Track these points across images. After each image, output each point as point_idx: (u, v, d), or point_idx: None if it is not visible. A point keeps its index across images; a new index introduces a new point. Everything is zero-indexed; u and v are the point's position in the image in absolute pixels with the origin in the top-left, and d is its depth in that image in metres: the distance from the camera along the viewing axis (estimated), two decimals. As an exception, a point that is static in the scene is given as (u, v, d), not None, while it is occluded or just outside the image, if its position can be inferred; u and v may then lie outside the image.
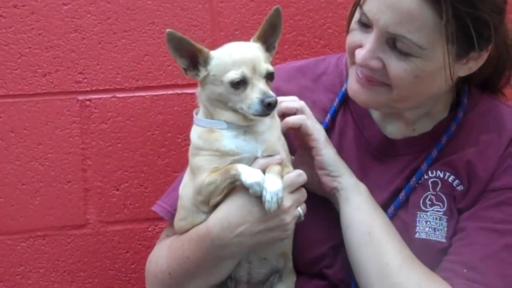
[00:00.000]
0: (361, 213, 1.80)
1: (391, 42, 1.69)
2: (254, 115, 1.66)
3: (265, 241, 1.74)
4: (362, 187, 1.84)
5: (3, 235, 2.41)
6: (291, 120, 1.80)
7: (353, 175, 1.85)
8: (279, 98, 1.74)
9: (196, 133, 1.77)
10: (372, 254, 1.76)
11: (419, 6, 1.62)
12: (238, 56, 1.69)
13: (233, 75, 1.66)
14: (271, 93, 1.67)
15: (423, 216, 1.84)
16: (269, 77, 1.70)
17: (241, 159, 1.70)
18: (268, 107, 1.64)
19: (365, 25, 1.73)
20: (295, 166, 1.80)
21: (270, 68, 1.70)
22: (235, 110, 1.70)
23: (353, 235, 1.80)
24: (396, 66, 1.69)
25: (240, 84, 1.66)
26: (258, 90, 1.66)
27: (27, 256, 2.44)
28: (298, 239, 1.85)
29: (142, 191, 2.47)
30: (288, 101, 1.82)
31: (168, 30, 1.68)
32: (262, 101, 1.64)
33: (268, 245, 1.77)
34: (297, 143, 1.89)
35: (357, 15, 1.76)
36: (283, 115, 1.82)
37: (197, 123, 1.78)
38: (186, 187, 1.81)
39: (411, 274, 1.72)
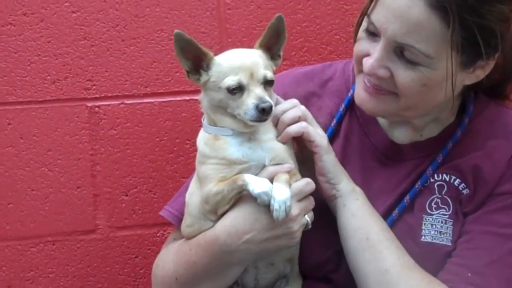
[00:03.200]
0: (359, 219, 1.80)
1: (399, 51, 1.69)
2: (251, 120, 1.66)
3: (272, 248, 1.75)
4: (359, 193, 1.83)
5: (13, 241, 2.43)
6: (293, 129, 1.76)
7: (351, 181, 1.84)
8: (280, 106, 1.75)
9: (202, 140, 1.78)
10: (371, 260, 1.76)
11: (427, 16, 1.62)
12: (236, 62, 1.69)
13: (230, 81, 1.66)
14: (267, 98, 1.66)
15: (428, 219, 1.84)
16: (267, 83, 1.69)
17: (249, 167, 1.71)
18: (263, 112, 1.64)
19: (373, 34, 1.74)
20: None
21: (269, 74, 1.69)
22: (234, 116, 1.70)
23: (351, 241, 1.79)
24: (404, 75, 1.70)
25: (237, 90, 1.66)
26: (254, 95, 1.65)
27: (37, 261, 2.45)
28: (302, 244, 1.85)
29: (151, 197, 2.49)
30: (289, 109, 1.78)
31: (176, 30, 1.68)
32: (257, 106, 1.64)
33: (274, 252, 1.78)
34: (297, 147, 1.86)
35: (364, 24, 1.77)
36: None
37: (205, 129, 1.79)
38: (193, 195, 1.82)
39: (411, 281, 1.73)
